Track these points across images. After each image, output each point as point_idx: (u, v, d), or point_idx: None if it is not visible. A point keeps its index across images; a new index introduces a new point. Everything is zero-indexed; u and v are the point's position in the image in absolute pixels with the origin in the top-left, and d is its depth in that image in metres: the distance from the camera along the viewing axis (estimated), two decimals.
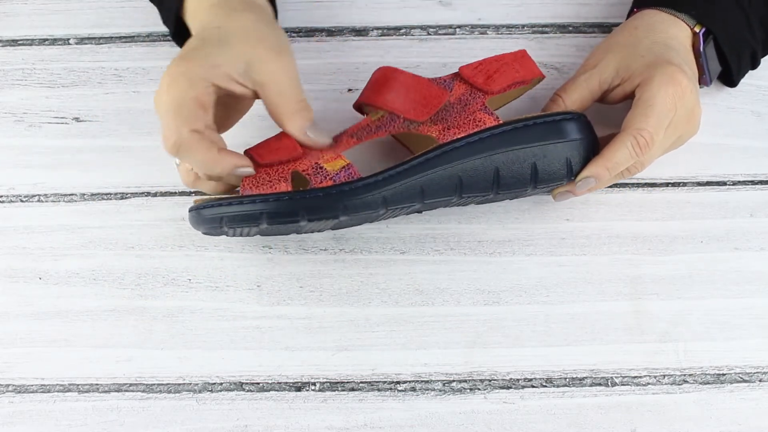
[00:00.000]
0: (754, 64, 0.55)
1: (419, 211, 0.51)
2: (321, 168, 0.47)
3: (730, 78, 0.56)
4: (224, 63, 0.45)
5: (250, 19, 0.47)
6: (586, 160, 0.49)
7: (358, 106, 0.52)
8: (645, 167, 0.51)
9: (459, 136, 0.48)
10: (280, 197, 0.46)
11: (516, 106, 0.56)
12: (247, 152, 0.48)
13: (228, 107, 0.49)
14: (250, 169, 0.46)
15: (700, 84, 0.54)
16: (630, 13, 0.56)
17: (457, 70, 0.50)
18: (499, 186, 0.49)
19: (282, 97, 0.46)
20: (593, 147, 0.50)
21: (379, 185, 0.47)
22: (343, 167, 0.47)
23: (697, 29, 0.52)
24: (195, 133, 0.44)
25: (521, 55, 0.51)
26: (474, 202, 0.52)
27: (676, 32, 0.52)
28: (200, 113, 0.45)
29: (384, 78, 0.50)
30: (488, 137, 0.48)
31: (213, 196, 0.49)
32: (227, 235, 0.49)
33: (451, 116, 0.49)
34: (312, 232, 0.52)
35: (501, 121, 0.49)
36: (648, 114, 0.48)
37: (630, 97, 0.51)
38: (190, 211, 0.48)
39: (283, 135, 0.48)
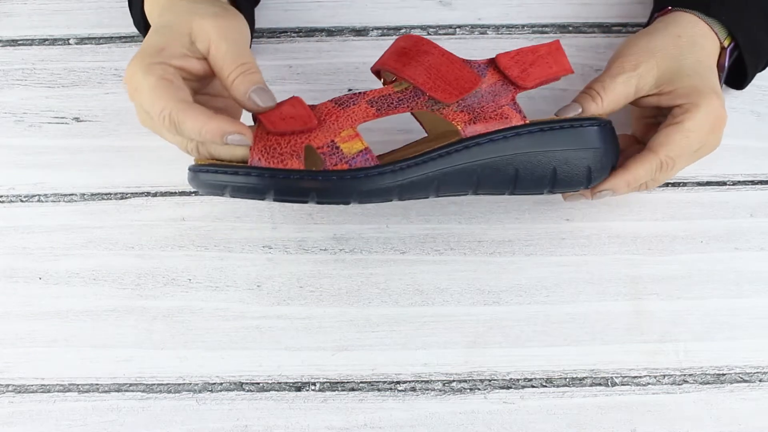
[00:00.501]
0: (762, 69, 0.55)
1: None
2: (337, 148, 0.45)
3: (739, 83, 0.55)
4: (169, 43, 0.45)
5: (184, 6, 0.47)
6: (607, 169, 0.49)
7: (377, 71, 0.50)
8: (658, 185, 0.51)
9: (483, 132, 0.46)
10: (290, 175, 0.44)
11: None
12: (258, 117, 0.46)
13: (211, 95, 0.48)
14: (242, 138, 0.43)
15: None
16: (660, 10, 0.54)
17: (494, 57, 0.48)
18: (515, 186, 0.48)
19: (223, 61, 0.45)
20: (615, 156, 0.49)
21: (396, 175, 0.45)
22: (361, 151, 0.45)
23: (726, 43, 0.51)
24: (182, 101, 0.43)
25: (555, 48, 0.49)
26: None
27: (711, 47, 0.51)
28: (173, 87, 0.43)
29: (414, 48, 0.47)
30: (513, 137, 0.47)
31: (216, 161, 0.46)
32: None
33: (478, 106, 0.47)
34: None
35: (527, 120, 0.47)
36: (683, 142, 0.48)
37: (663, 108, 0.50)
38: (189, 170, 0.45)
39: (297, 102, 0.45)
